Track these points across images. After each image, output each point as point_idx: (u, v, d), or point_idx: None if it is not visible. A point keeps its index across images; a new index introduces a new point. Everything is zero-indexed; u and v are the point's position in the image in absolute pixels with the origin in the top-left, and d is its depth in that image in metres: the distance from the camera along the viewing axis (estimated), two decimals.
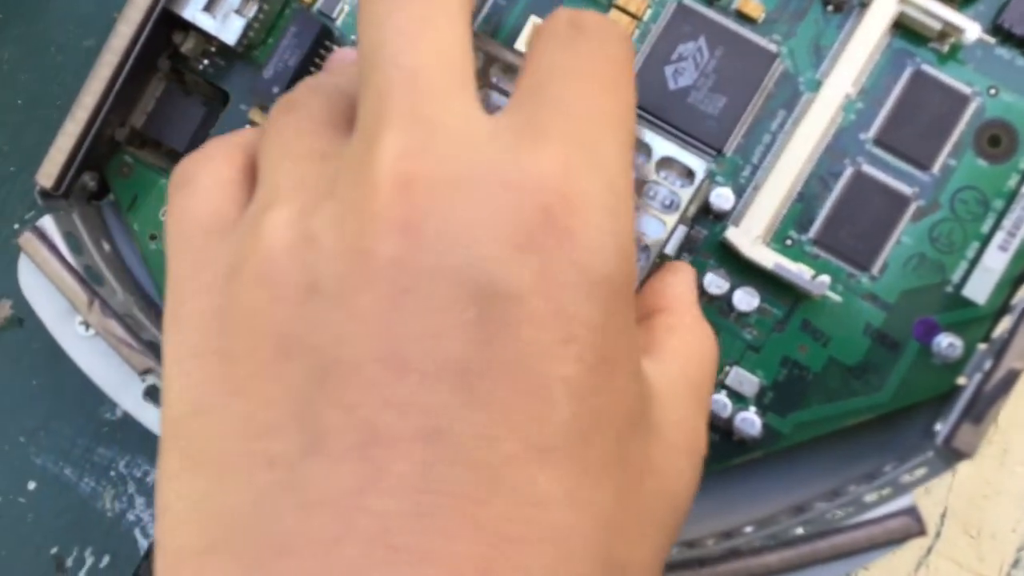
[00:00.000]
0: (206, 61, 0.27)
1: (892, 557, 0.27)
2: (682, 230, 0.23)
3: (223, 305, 0.13)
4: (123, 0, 0.24)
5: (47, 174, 0.24)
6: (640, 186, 0.23)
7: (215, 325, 0.13)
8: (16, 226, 0.30)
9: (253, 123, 0.26)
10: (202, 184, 0.15)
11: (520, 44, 0.25)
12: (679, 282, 0.21)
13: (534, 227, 0.12)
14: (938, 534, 0.27)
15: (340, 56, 0.22)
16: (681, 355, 0.17)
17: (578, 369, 0.12)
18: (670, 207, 0.23)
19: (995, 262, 0.24)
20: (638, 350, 0.15)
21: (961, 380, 0.24)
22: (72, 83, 0.32)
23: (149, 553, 0.29)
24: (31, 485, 0.29)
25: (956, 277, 0.24)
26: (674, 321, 0.19)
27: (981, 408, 0.22)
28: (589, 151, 0.13)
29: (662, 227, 0.23)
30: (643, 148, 0.23)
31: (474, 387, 0.12)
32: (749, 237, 0.24)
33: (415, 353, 0.12)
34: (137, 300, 0.26)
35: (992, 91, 0.24)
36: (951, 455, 0.22)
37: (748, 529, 0.25)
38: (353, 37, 0.26)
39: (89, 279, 0.25)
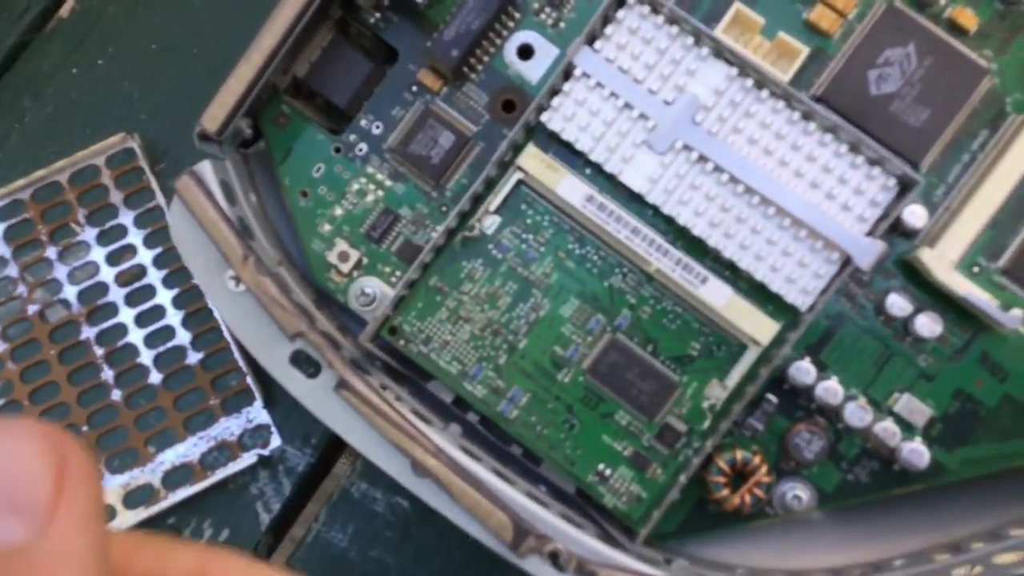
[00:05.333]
0: (378, 14, 0.25)
1: None
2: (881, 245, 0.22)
3: None
4: None
5: (213, 117, 0.23)
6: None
7: None
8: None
9: (422, 84, 0.25)
10: None
11: (719, 30, 0.23)
12: None
13: None
14: None
15: None
16: None
17: None
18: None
19: None
20: None
21: None
22: (210, 31, 0.30)
23: (271, 528, 0.28)
24: None
25: None
26: None
27: None
28: None
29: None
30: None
31: None
32: (944, 261, 0.23)
33: None
34: (282, 258, 0.25)
35: None
36: None
37: (898, 563, 0.24)
38: (536, 4, 0.25)
39: (242, 232, 0.23)
